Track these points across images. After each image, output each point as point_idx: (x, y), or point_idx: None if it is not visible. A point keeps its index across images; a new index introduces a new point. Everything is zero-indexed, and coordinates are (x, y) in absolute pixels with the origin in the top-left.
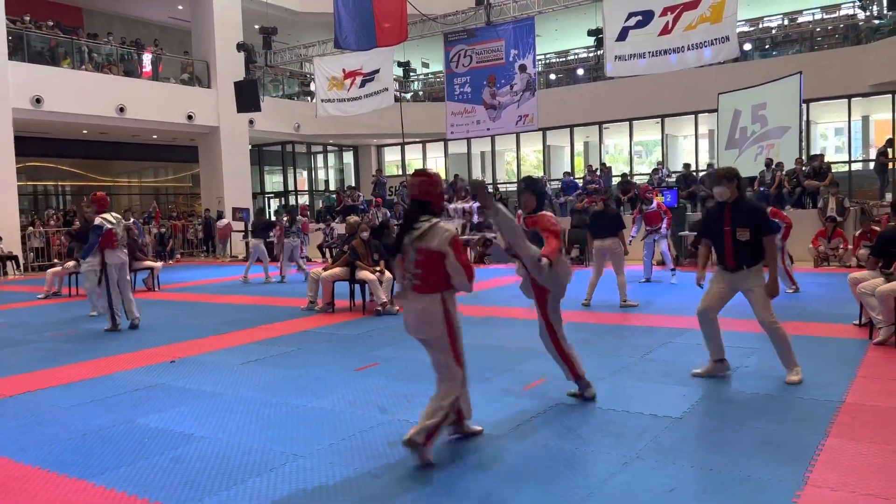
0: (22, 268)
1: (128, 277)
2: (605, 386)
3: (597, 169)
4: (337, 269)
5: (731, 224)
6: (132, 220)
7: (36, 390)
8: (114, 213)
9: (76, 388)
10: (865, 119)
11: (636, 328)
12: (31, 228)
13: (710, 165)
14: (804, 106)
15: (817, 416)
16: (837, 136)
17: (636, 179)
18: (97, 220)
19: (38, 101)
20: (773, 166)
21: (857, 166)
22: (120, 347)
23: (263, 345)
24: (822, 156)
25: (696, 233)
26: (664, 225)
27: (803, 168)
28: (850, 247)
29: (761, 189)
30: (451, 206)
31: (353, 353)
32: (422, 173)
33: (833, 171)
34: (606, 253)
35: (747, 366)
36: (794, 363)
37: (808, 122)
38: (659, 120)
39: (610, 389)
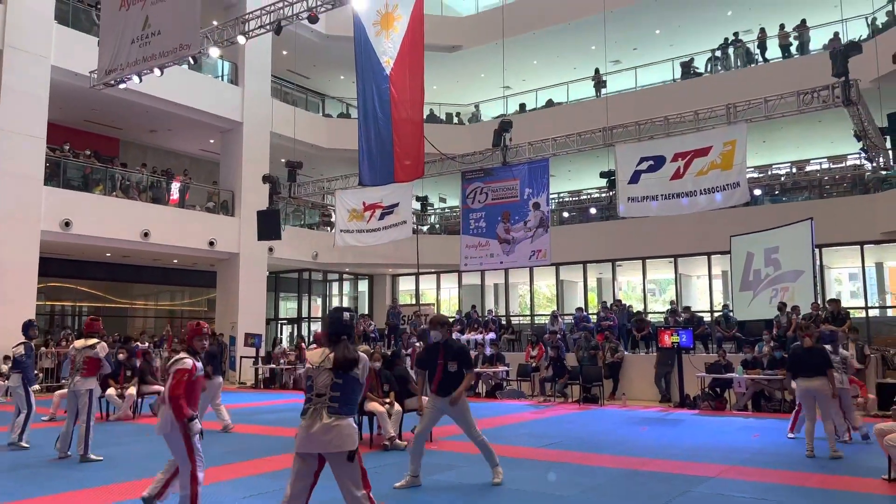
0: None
1: (84, 404)
2: None
3: (611, 305)
4: None
5: (444, 358)
6: (146, 344)
7: None
8: (89, 340)
9: None
10: (879, 265)
11: (653, 474)
12: (43, 349)
13: (725, 307)
14: (817, 251)
15: None
16: (852, 282)
17: (650, 318)
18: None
19: (67, 224)
20: (789, 310)
21: (874, 312)
22: (119, 475)
23: (267, 478)
24: (837, 301)
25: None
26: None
27: (820, 312)
28: (870, 395)
29: (776, 333)
30: (464, 337)
31: None
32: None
33: (851, 316)
34: (815, 395)
35: None
36: (496, 463)
37: (821, 266)
38: (672, 259)
39: None
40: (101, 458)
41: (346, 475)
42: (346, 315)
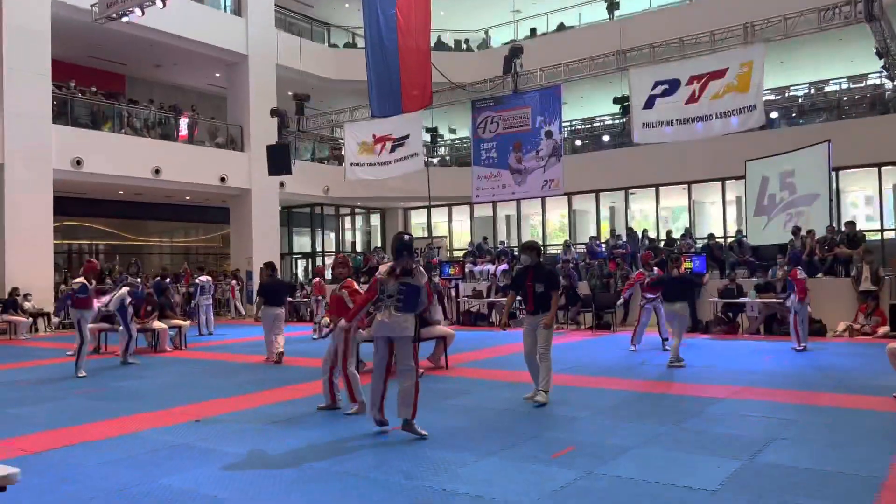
0: (53, 325)
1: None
2: (637, 456)
3: (619, 235)
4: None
5: (533, 281)
6: (168, 279)
7: (60, 447)
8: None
9: (100, 447)
10: None
11: (667, 396)
12: (63, 286)
13: (738, 232)
14: (833, 174)
15: (859, 492)
16: (868, 205)
17: (663, 245)
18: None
19: (79, 162)
20: (804, 233)
21: (889, 234)
22: (144, 406)
23: (288, 405)
24: (854, 223)
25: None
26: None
27: (835, 236)
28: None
29: (792, 253)
30: (477, 268)
31: None
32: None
33: (866, 239)
34: (675, 316)
35: (785, 438)
36: (547, 386)
37: (837, 190)
38: (686, 186)
39: (642, 459)
40: (85, 374)
41: (403, 351)
42: (406, 236)
